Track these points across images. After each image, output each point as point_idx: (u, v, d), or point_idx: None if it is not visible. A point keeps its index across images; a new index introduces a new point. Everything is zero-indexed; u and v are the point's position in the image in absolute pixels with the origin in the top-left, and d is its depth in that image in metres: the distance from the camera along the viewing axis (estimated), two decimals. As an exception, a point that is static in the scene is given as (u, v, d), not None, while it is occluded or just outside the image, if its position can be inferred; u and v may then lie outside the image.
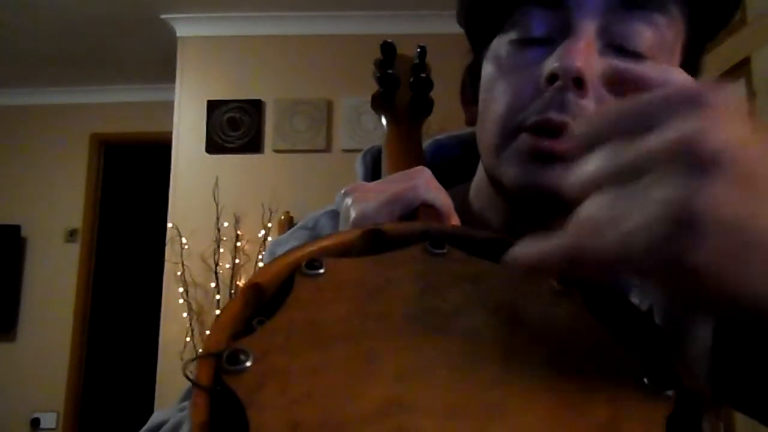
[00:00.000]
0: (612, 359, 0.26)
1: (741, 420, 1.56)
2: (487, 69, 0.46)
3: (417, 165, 0.43)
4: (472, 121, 0.50)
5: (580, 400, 0.24)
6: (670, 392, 0.25)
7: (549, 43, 0.41)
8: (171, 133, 3.11)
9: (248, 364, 0.24)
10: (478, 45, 0.49)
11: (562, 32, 0.41)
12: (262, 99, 3.09)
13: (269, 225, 2.90)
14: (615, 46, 0.41)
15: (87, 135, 3.96)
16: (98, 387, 4.05)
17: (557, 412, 0.23)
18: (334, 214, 0.54)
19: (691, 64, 0.45)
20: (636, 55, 0.40)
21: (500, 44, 0.45)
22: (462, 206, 0.46)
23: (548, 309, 0.29)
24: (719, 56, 1.65)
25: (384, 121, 0.54)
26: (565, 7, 0.40)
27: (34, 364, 3.68)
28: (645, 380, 0.25)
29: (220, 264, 2.87)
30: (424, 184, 0.37)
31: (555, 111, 0.39)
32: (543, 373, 0.25)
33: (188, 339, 2.82)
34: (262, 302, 0.29)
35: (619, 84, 0.36)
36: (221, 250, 2.88)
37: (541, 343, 0.27)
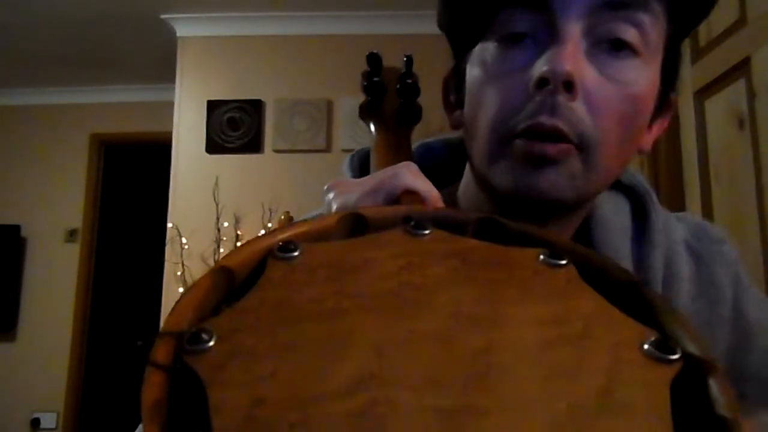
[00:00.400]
0: (611, 325, 0.25)
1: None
2: (473, 73, 0.45)
3: None
4: (456, 125, 0.50)
5: (575, 367, 0.23)
6: (675, 356, 0.24)
7: (534, 43, 0.41)
8: (171, 133, 3.10)
9: (211, 343, 0.23)
10: (460, 50, 0.49)
11: (547, 33, 0.41)
12: (262, 99, 3.09)
13: (269, 225, 2.89)
14: (602, 44, 0.41)
15: (87, 135, 3.96)
16: (98, 387, 4.05)
17: (549, 380, 0.22)
18: None
19: (671, 56, 0.45)
20: (624, 50, 0.41)
21: (485, 48, 0.44)
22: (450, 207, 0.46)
23: (541, 279, 0.28)
24: (719, 56, 1.65)
25: (372, 129, 0.55)
26: (549, 10, 0.40)
27: (34, 364, 3.68)
28: (647, 346, 0.24)
29: (220, 264, 2.86)
30: (407, 172, 0.37)
31: (546, 115, 0.40)
32: (534, 343, 0.24)
33: (188, 339, 2.82)
34: (233, 287, 0.28)
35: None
36: (221, 250, 2.88)
37: (533, 313, 0.26)
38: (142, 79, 3.85)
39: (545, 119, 0.40)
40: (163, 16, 3.11)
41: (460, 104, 0.49)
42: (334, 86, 3.06)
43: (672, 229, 0.53)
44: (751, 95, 1.51)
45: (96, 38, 3.33)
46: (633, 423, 0.21)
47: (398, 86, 0.55)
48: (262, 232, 2.86)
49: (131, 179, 4.63)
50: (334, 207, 0.36)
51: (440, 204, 0.37)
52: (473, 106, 0.45)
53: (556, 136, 0.40)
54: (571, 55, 0.39)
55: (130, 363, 4.18)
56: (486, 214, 0.34)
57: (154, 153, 3.75)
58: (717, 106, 1.69)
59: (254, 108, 3.07)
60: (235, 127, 3.05)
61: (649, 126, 0.47)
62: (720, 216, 1.68)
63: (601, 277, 0.30)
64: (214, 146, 3.05)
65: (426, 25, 2.97)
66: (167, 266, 2.94)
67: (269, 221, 2.90)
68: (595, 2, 0.40)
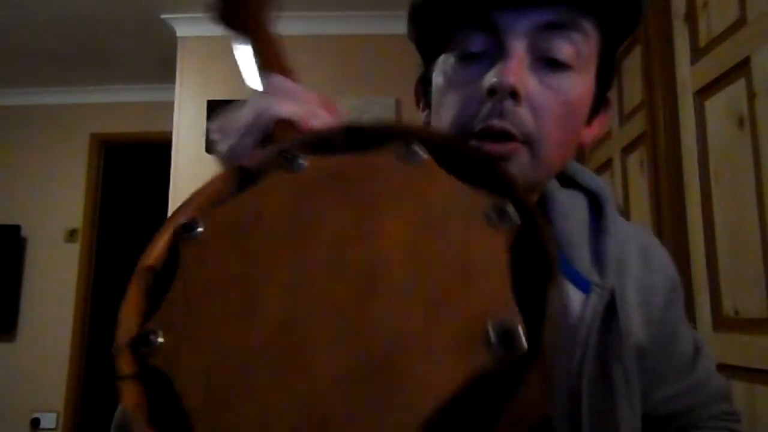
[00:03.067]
0: (461, 201, 0.29)
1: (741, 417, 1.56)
2: (437, 81, 0.54)
3: (282, 72, 0.46)
4: (427, 123, 0.58)
5: (439, 260, 0.27)
6: (512, 221, 0.28)
7: (486, 58, 0.50)
8: (171, 133, 3.10)
9: (160, 339, 0.28)
10: (427, 59, 0.57)
11: (496, 50, 0.49)
12: (262, 99, 3.09)
13: (269, 225, 2.89)
14: (542, 59, 0.49)
15: (87, 135, 3.96)
16: (98, 387, 4.05)
17: (420, 271, 0.27)
18: None
19: (605, 63, 0.54)
20: (560, 65, 0.49)
21: (446, 60, 0.53)
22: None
23: (405, 179, 0.32)
24: (719, 56, 1.65)
25: (237, 36, 0.54)
26: (498, 31, 0.48)
27: (34, 364, 3.68)
28: (490, 214, 0.28)
29: (220, 264, 2.86)
30: (275, 99, 0.40)
31: (496, 119, 0.48)
32: (406, 246, 0.28)
33: (188, 339, 2.82)
34: (157, 274, 0.33)
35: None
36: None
37: (403, 219, 0.30)
38: (142, 79, 3.86)
39: (495, 122, 0.48)
40: (163, 16, 3.11)
41: (428, 106, 0.57)
42: (334, 86, 3.06)
43: (625, 227, 0.61)
44: (751, 95, 1.51)
45: (96, 38, 3.33)
46: (481, 289, 0.26)
47: None
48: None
49: (131, 179, 4.63)
50: (220, 154, 0.42)
51: (312, 121, 0.40)
52: (437, 110, 0.53)
53: (505, 135, 0.48)
54: (515, 68, 0.47)
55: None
56: (345, 123, 0.38)
57: (154, 153, 3.75)
58: (717, 106, 1.69)
59: (254, 108, 3.07)
60: (235, 127, 3.05)
61: (589, 123, 0.55)
62: (720, 216, 1.68)
63: (459, 155, 0.34)
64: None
65: (426, 25, 2.96)
66: (167, 266, 2.94)
67: (269, 221, 2.90)
68: (535, 25, 0.48)
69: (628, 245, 0.59)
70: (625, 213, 2.40)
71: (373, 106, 2.93)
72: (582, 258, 0.55)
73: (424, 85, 0.58)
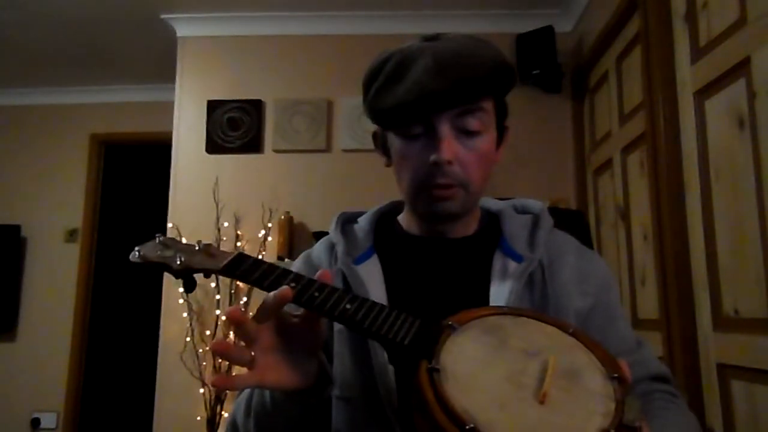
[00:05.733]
0: None
1: (741, 417, 1.56)
2: (394, 148, 0.82)
3: None
4: (388, 164, 0.85)
5: None
6: None
7: (422, 137, 0.78)
8: (171, 133, 3.10)
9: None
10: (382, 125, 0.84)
11: (428, 131, 0.77)
12: (262, 99, 3.09)
13: (269, 225, 2.89)
14: (461, 131, 0.77)
15: (87, 135, 3.96)
16: (98, 387, 4.05)
17: None
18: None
19: (500, 111, 0.82)
20: (473, 132, 0.78)
21: (394, 138, 0.81)
22: (392, 224, 0.89)
23: None
24: (719, 56, 1.65)
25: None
26: (431, 122, 0.76)
27: (34, 364, 3.68)
28: None
29: (220, 264, 2.86)
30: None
31: (441, 178, 0.77)
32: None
33: (188, 339, 2.82)
34: None
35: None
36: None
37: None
38: (142, 79, 3.86)
39: (441, 180, 0.77)
40: (163, 16, 3.11)
41: (389, 157, 0.84)
42: (334, 86, 3.06)
43: (567, 236, 0.87)
44: (751, 95, 1.51)
45: (96, 38, 3.33)
46: None
47: None
48: (262, 232, 2.86)
49: (131, 179, 4.63)
50: None
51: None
52: (398, 170, 0.82)
53: (448, 186, 0.77)
54: (447, 146, 0.76)
55: (130, 363, 4.17)
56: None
57: (154, 153, 3.75)
58: (717, 106, 1.69)
59: (254, 108, 3.07)
60: (235, 127, 3.05)
61: (497, 149, 0.83)
62: (720, 216, 1.68)
63: None
64: (214, 146, 3.05)
65: (427, 24, 2.97)
66: (167, 266, 2.93)
67: (269, 221, 2.90)
68: (453, 114, 0.76)
69: (568, 245, 0.85)
70: (625, 213, 2.39)
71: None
72: (519, 242, 0.83)
73: (382, 144, 0.85)
